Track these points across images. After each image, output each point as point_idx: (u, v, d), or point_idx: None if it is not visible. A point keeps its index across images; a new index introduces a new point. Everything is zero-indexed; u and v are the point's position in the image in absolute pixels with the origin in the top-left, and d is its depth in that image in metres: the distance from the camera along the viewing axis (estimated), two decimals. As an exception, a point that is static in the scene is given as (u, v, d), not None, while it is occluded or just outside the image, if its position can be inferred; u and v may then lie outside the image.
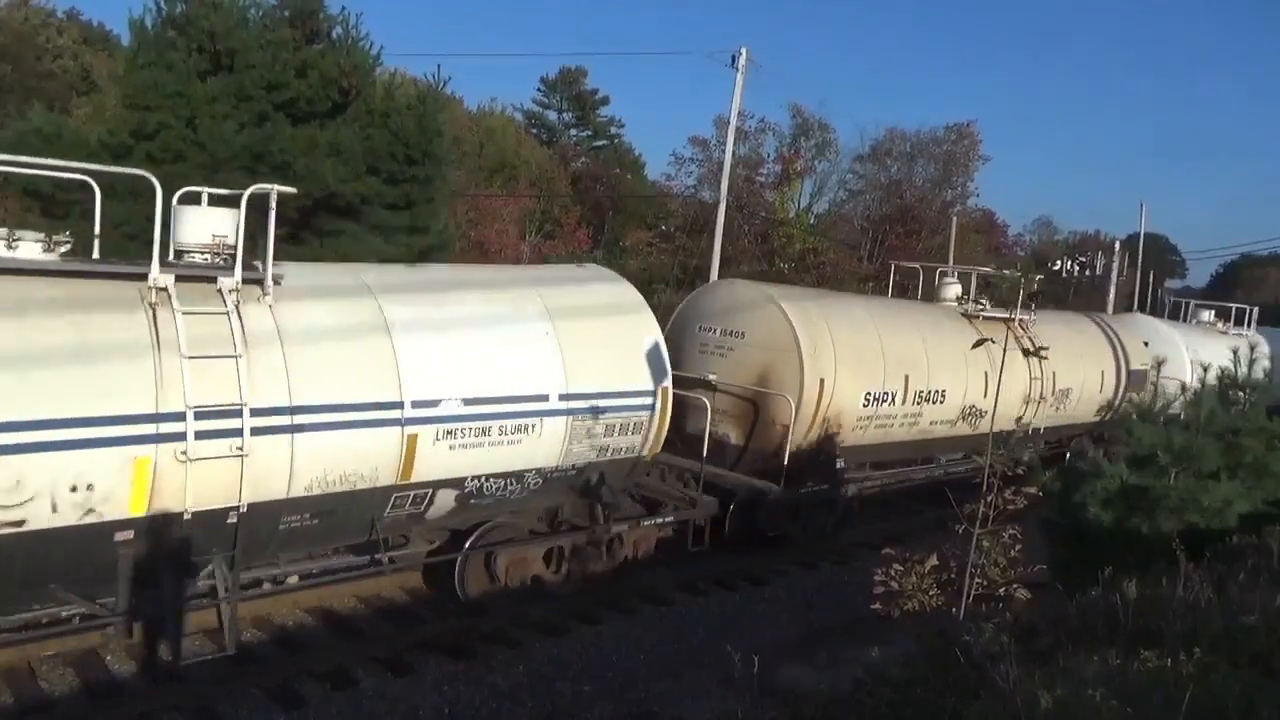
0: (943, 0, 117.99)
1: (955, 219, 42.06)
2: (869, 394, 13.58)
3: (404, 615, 10.16)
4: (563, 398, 9.63)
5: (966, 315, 16.32)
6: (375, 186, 13.81)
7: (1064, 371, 17.34)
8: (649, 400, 10.48)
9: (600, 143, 55.99)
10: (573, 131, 56.89)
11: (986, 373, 15.18)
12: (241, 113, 13.02)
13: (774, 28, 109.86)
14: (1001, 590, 6.42)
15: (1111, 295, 33.98)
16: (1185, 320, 25.62)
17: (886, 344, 14.01)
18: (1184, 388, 17.02)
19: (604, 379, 10.06)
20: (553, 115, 57.43)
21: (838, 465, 13.31)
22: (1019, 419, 16.60)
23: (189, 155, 12.68)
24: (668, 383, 10.67)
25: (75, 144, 12.60)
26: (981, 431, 14.76)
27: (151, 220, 7.40)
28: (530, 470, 9.67)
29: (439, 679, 8.57)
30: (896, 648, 5.66)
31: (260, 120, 13.14)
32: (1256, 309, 25.71)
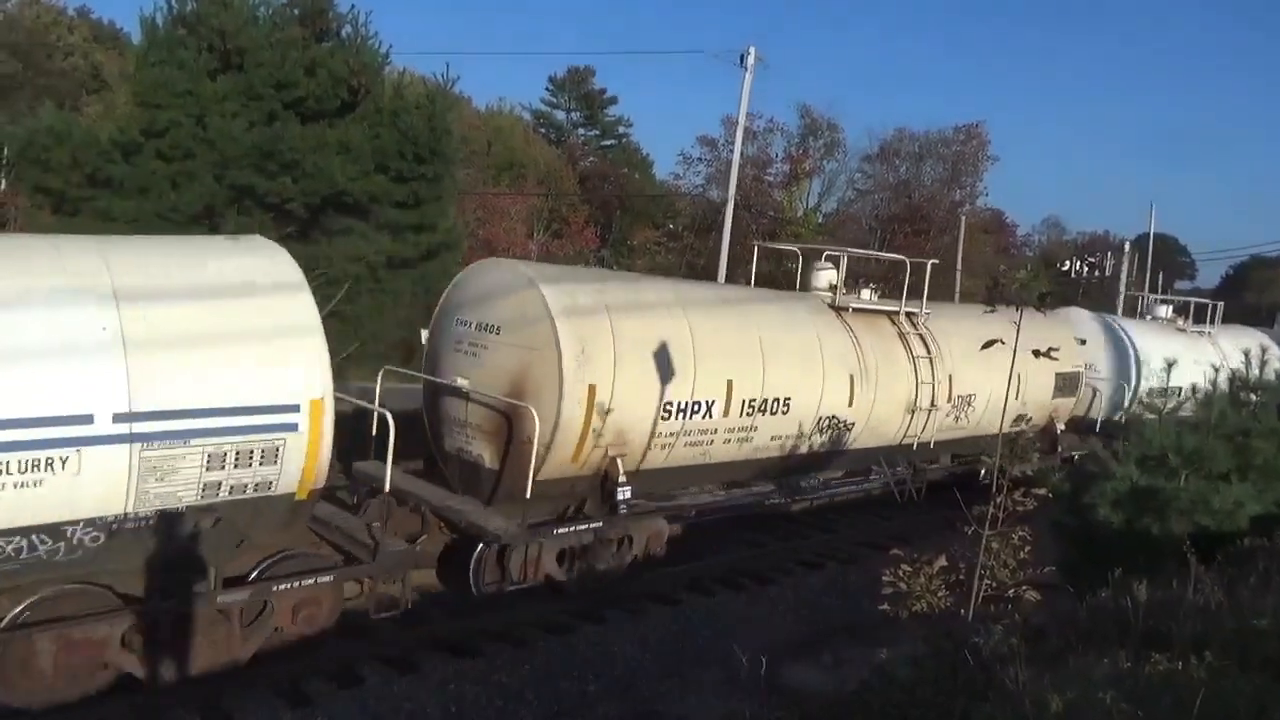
0: (952, 0, 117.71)
1: (964, 219, 41.93)
2: (671, 404, 10.64)
3: (409, 614, 10.15)
4: (121, 418, 6.83)
5: (835, 307, 13.44)
6: (384, 185, 13.82)
7: (966, 374, 14.62)
8: (289, 418, 7.62)
9: (608, 142, 55.96)
10: (580, 131, 56.87)
11: (853, 376, 12.83)
12: (251, 111, 13.04)
13: (783, 27, 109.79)
14: (1010, 592, 6.38)
15: (1121, 296, 33.84)
16: (1141, 316, 24.04)
17: (701, 341, 10.96)
18: (1131, 394, 16.14)
19: (209, 389, 7.25)
20: (561, 114, 57.43)
21: (619, 496, 10.45)
22: (904, 432, 14.05)
23: (199, 153, 12.71)
24: (322, 393, 7.72)
25: (86, 142, 12.62)
26: (862, 447, 13.34)
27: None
28: (72, 523, 6.91)
29: (445, 677, 8.57)
30: (904, 649, 5.64)
31: (269, 119, 13.16)
32: (1221, 304, 24.18)
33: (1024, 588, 6.43)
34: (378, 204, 14.02)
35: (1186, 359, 18.55)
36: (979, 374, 14.62)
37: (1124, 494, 8.47)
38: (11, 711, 7.18)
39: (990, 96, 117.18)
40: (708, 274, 27.59)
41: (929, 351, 14.11)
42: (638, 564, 11.19)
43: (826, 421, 12.65)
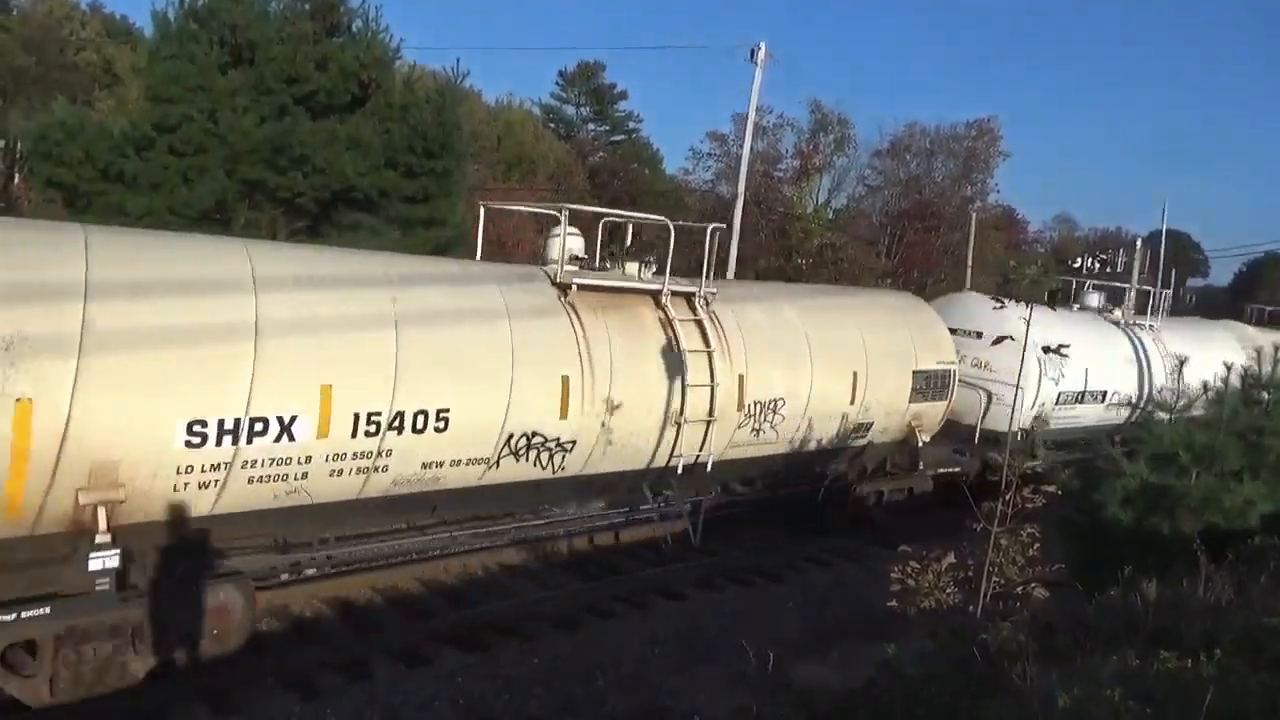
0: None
1: (974, 215, 41.77)
2: (204, 424, 7.33)
3: (419, 607, 10.20)
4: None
5: (559, 285, 10.16)
6: (394, 180, 13.85)
7: (768, 374, 11.55)
8: None
9: (618, 137, 55.95)
10: (590, 126, 56.88)
11: (567, 378, 9.61)
12: (262, 106, 13.08)
13: (793, 22, 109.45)
14: (1019, 589, 6.38)
15: (1132, 293, 33.71)
16: (1072, 305, 20.06)
17: (279, 332, 7.70)
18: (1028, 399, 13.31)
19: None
20: (570, 109, 57.48)
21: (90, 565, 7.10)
22: (664, 452, 10.73)
23: (210, 148, 12.75)
24: None
25: (98, 136, 12.69)
26: (590, 473, 10.28)
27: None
28: None
29: (453, 671, 8.61)
30: (912, 645, 5.64)
31: (280, 113, 13.19)
32: (1168, 292, 21.45)
33: (1032, 585, 6.42)
34: (388, 199, 14.05)
35: (1113, 357, 17.42)
36: (791, 373, 11.85)
37: (1134, 492, 8.44)
38: (12, 709, 7.23)
39: (1002, 91, 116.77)
40: (717, 271, 27.51)
41: (709, 345, 10.91)
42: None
43: (526, 439, 9.42)
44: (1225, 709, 3.84)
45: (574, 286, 10.14)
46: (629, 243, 11.88)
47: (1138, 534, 8.14)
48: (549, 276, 10.20)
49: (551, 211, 11.12)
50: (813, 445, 12.49)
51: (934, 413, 14.21)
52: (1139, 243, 36.89)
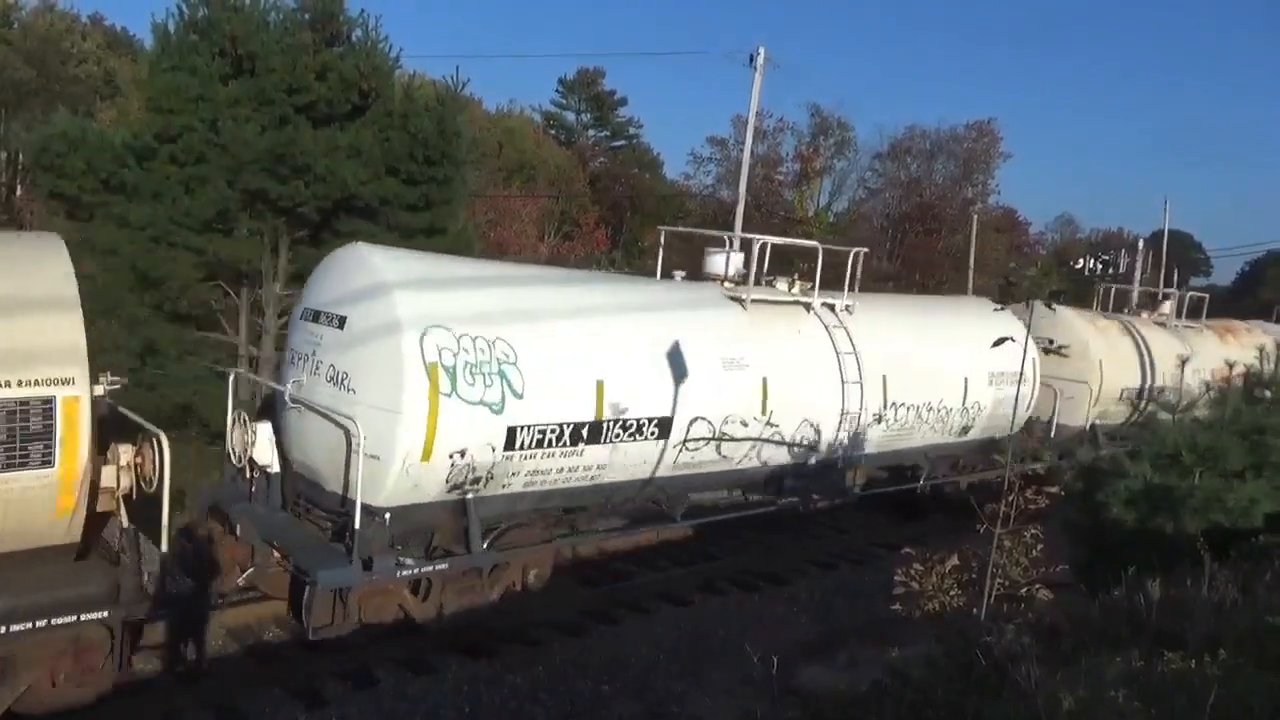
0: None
1: (976, 217, 41.78)
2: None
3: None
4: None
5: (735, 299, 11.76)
6: (394, 188, 13.85)
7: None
8: None
9: (618, 143, 56.01)
10: (591, 132, 56.93)
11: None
12: (263, 115, 13.09)
13: (792, 26, 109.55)
14: (1023, 590, 6.38)
15: (1135, 294, 33.66)
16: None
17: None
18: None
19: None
20: (571, 116, 57.51)
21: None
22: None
23: (211, 158, 12.77)
24: None
25: (100, 147, 12.72)
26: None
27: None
28: None
29: (459, 678, 8.60)
30: (917, 648, 5.63)
31: (281, 123, 13.20)
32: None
33: (1036, 586, 6.42)
34: (389, 207, 14.05)
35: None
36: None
37: (1137, 492, 8.42)
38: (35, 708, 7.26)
39: (1002, 93, 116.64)
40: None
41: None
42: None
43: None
44: (1230, 709, 3.84)
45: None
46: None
47: (1141, 534, 8.12)
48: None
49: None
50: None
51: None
52: (1141, 243, 36.83)
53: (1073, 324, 17.33)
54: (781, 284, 12.54)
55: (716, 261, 12.42)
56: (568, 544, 10.86)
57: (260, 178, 12.79)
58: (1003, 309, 13.97)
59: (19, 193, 30.91)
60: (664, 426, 10.09)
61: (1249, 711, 3.90)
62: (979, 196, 47.95)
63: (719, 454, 10.86)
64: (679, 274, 12.70)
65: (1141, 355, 18.31)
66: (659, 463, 10.30)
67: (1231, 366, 12.07)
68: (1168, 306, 21.70)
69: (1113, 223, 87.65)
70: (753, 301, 11.62)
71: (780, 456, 11.58)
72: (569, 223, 39.78)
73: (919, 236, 43.22)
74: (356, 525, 8.31)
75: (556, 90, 57.00)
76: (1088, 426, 17.00)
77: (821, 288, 12.81)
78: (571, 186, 41.82)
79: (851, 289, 12.97)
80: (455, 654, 9.14)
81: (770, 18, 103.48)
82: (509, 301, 9.33)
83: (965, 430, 14.28)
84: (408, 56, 23.02)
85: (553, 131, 54.01)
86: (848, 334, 12.35)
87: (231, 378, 10.07)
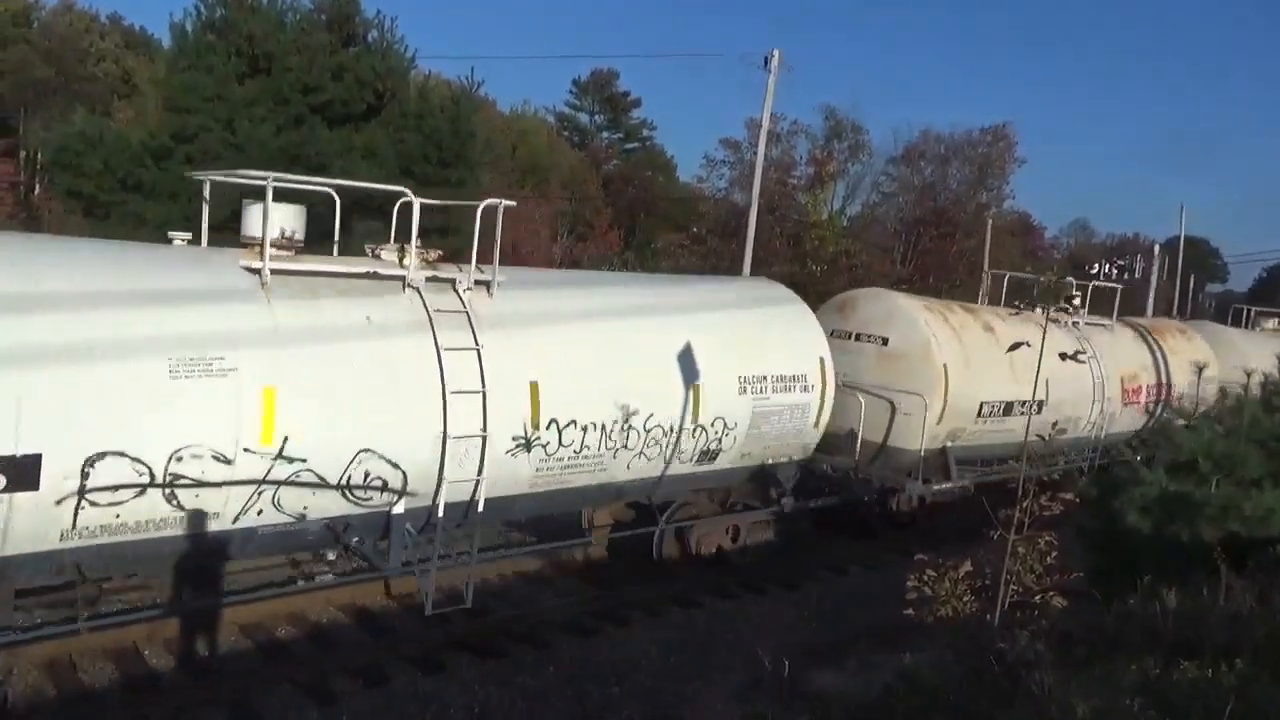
0: (979, 1, 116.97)
1: (990, 222, 41.62)
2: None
3: (436, 615, 10.20)
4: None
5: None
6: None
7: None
8: None
9: (632, 145, 56.07)
10: (604, 134, 57.01)
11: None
12: (278, 115, 13.19)
13: (807, 30, 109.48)
14: (1037, 597, 6.34)
15: (1150, 299, 33.47)
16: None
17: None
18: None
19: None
20: (584, 118, 57.60)
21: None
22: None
23: (227, 157, 12.86)
24: None
25: (117, 147, 12.83)
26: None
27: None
28: None
29: (469, 678, 8.61)
30: (929, 654, 5.60)
31: (297, 123, 13.30)
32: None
33: (1050, 593, 6.37)
34: (404, 207, 14.11)
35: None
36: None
37: (1153, 500, 8.35)
38: (53, 703, 7.30)
39: (1018, 97, 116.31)
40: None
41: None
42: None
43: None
44: (1246, 719, 3.80)
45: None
46: None
47: (1157, 542, 8.06)
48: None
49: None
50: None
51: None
52: (1156, 249, 36.54)
53: (912, 318, 13.76)
54: (389, 252, 9.16)
55: (252, 217, 8.46)
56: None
57: (276, 177, 12.86)
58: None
59: (37, 191, 31.18)
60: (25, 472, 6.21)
61: (1266, 722, 3.86)
62: (994, 201, 47.79)
63: (174, 508, 7.00)
64: (180, 238, 8.60)
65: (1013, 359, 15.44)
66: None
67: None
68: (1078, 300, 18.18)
69: (1129, 228, 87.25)
70: (275, 273, 7.84)
71: (325, 506, 7.82)
72: (582, 224, 39.84)
73: (933, 241, 43.06)
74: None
75: (570, 91, 57.15)
76: (922, 451, 13.28)
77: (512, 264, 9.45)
78: (585, 188, 41.88)
79: (498, 262, 9.31)
80: (466, 653, 9.14)
81: (785, 21, 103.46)
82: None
83: (709, 456, 10.76)
84: (422, 57, 23.12)
85: (566, 133, 54.12)
86: (469, 321, 8.81)
87: None
